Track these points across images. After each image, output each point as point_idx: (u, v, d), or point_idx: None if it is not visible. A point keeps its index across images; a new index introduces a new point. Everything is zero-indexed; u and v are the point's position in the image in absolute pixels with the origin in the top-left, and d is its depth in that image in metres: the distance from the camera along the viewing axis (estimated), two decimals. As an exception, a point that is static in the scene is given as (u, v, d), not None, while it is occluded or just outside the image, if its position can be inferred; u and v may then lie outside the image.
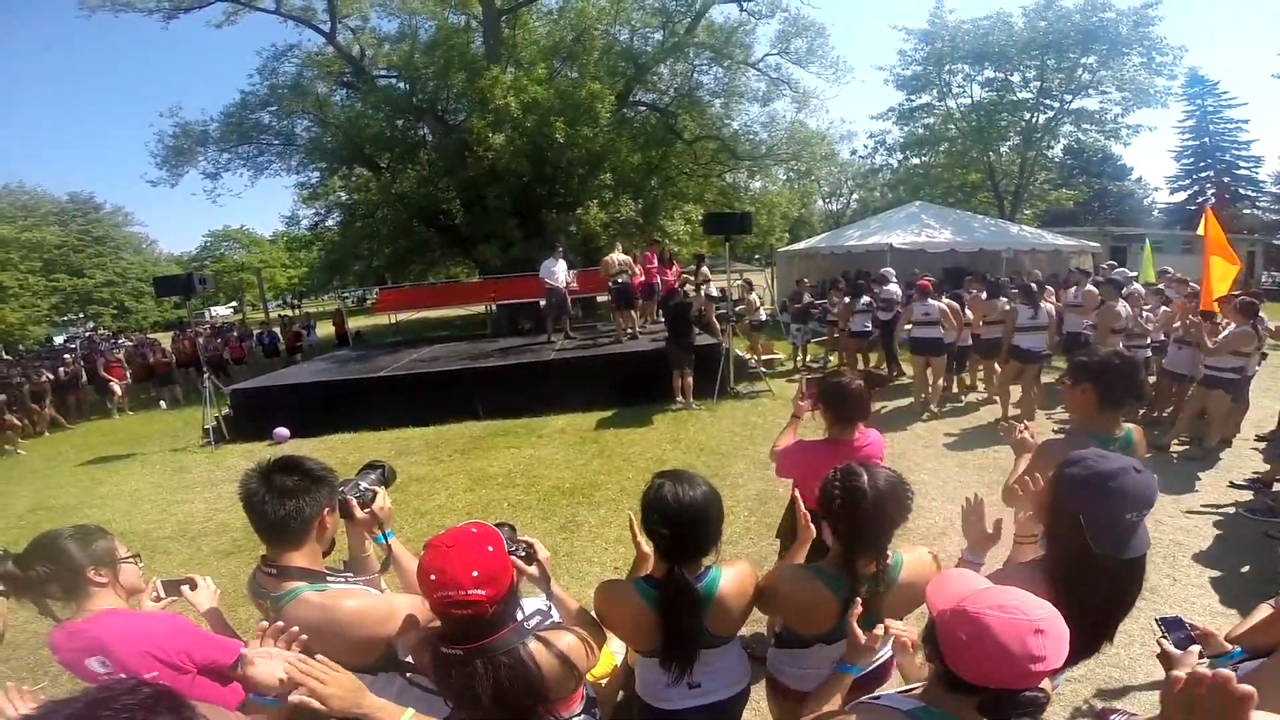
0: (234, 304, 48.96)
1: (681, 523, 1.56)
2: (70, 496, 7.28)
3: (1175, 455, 5.90)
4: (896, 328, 8.86)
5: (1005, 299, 7.62)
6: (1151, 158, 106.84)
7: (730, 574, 1.66)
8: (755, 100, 20.59)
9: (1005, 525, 1.80)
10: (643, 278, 10.83)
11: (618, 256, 9.96)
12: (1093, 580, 1.38)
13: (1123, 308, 6.75)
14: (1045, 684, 1.04)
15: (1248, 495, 4.86)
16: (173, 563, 5.03)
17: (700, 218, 17.56)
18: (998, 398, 7.49)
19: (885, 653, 1.81)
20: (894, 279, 9.36)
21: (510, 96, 14.77)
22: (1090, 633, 1.41)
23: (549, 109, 15.04)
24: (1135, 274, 10.05)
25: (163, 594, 1.77)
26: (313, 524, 1.56)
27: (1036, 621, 0.99)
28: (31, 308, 27.46)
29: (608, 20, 18.70)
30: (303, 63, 19.39)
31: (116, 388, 12.88)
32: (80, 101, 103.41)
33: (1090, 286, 7.90)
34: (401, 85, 19.03)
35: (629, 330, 10.20)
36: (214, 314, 39.61)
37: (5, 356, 20.89)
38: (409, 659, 1.60)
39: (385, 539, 1.78)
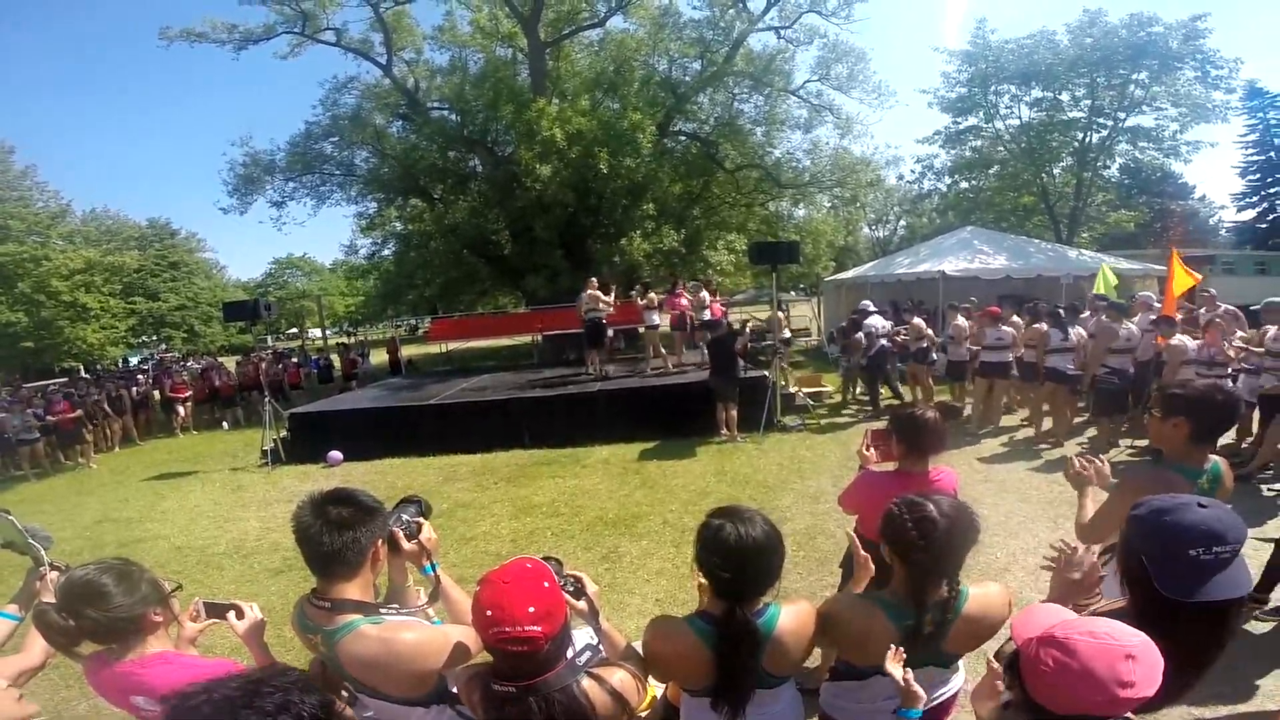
0: (298, 329, 51.05)
1: (743, 564, 1.52)
2: (134, 510, 7.64)
3: (1262, 487, 5.50)
4: (887, 359, 9.28)
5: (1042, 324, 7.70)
6: (1216, 175, 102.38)
7: (790, 612, 1.60)
8: (797, 127, 20.60)
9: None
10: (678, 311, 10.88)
11: (590, 293, 9.81)
12: (1169, 626, 1.25)
13: (1124, 329, 6.87)
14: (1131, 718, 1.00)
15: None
16: (225, 579, 5.21)
17: (744, 247, 17.56)
18: (1047, 420, 7.60)
19: (951, 688, 1.76)
20: (875, 310, 9.66)
21: (555, 128, 15.16)
22: (1173, 684, 1.30)
23: (592, 140, 15.37)
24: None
25: (203, 614, 1.77)
26: (367, 555, 1.56)
27: (1129, 648, 0.97)
28: (111, 329, 29.00)
29: (646, 51, 19.18)
30: (362, 94, 20.34)
31: (180, 408, 13.54)
32: (162, 131, 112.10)
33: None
34: (453, 117, 19.80)
35: (590, 370, 10.25)
36: (310, 336, 40.63)
37: (84, 375, 22.23)
38: (456, 689, 1.59)
39: (432, 570, 1.78)
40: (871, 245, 39.46)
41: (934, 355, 9.12)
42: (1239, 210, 36.26)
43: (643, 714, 2.06)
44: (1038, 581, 4.01)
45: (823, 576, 4.17)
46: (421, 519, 1.83)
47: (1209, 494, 1.98)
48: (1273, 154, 33.49)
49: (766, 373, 8.93)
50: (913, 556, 1.56)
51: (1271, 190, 34.04)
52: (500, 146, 19.53)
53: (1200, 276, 8.11)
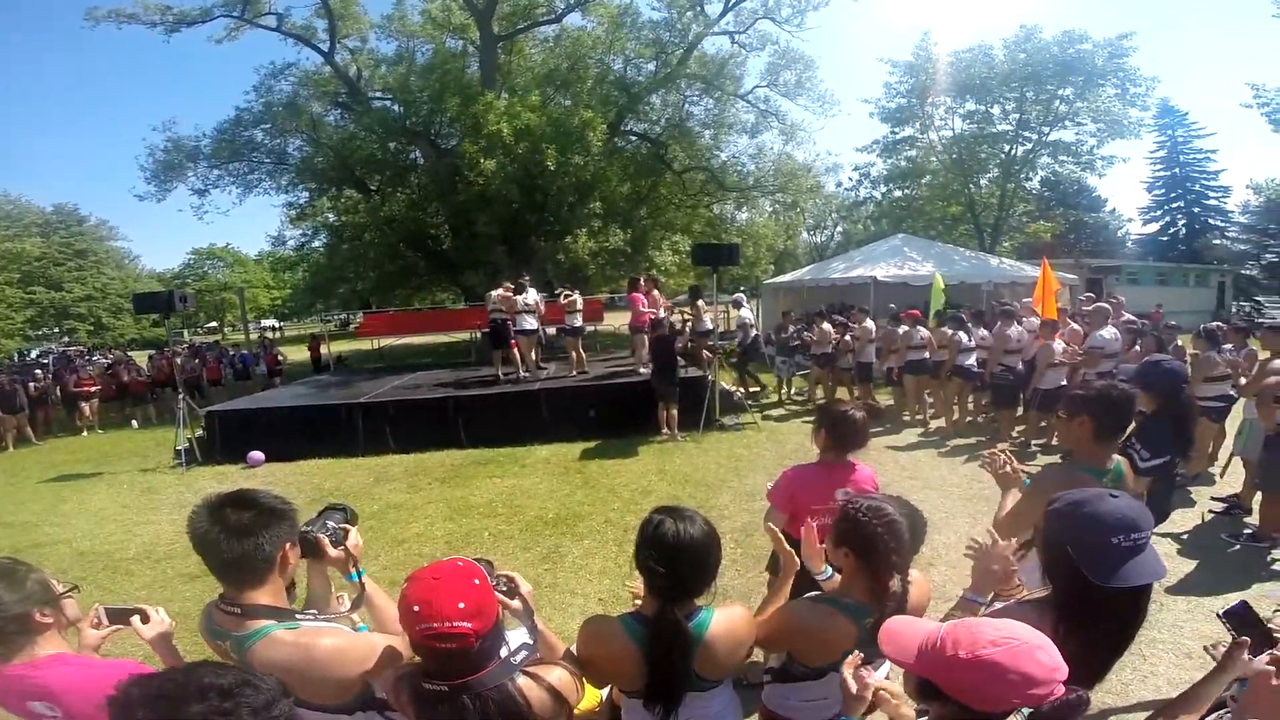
0: (218, 322, 48.25)
1: (679, 561, 1.51)
2: (30, 514, 7.03)
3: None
4: (758, 349, 10.85)
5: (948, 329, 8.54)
6: (1126, 190, 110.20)
7: (722, 616, 1.59)
8: (744, 132, 20.93)
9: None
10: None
11: (496, 293, 9.59)
12: (1094, 611, 1.36)
13: (1014, 331, 7.67)
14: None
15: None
16: (135, 584, 4.88)
17: (688, 248, 17.75)
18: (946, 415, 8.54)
19: (882, 672, 1.83)
20: (745, 304, 11.67)
21: (503, 122, 14.88)
22: (1096, 664, 1.42)
23: (541, 136, 15.15)
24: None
25: (105, 621, 1.63)
26: (275, 560, 1.46)
27: (1035, 643, 1.03)
28: (5, 320, 26.82)
29: (603, 49, 19.07)
30: (299, 81, 19.47)
31: (85, 406, 12.56)
32: (74, 112, 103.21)
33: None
34: (396, 108, 19.13)
35: (502, 372, 9.76)
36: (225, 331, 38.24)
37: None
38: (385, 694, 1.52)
39: (358, 577, 1.69)
40: (809, 250, 40.50)
41: (847, 359, 9.54)
42: (1144, 223, 39.20)
43: (591, 714, 2.04)
44: (960, 575, 4.20)
45: (760, 573, 4.22)
46: (347, 525, 1.75)
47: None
48: (1177, 170, 36.36)
49: (705, 372, 9.02)
50: (883, 558, 1.60)
51: (1174, 205, 36.93)
52: (444, 139, 18.99)
53: (1058, 285, 9.38)
